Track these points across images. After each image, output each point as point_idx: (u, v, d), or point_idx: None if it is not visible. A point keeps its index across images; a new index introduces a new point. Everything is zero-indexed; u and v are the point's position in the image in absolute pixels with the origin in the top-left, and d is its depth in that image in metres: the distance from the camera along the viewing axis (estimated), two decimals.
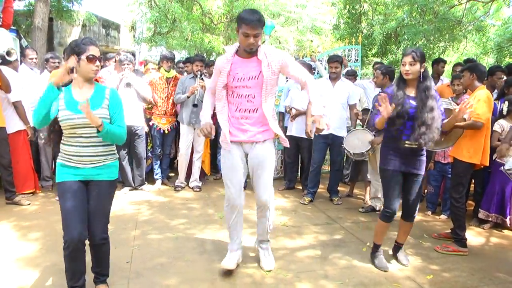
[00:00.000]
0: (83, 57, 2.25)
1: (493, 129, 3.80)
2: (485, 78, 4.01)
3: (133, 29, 15.11)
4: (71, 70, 2.20)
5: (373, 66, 6.27)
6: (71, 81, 2.34)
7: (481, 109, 3.24)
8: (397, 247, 3.20)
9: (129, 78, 4.65)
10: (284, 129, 5.51)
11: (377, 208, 4.50)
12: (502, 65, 6.31)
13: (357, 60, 6.22)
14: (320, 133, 4.64)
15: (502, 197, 3.99)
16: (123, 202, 4.57)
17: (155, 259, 3.08)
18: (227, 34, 12.32)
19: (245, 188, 5.07)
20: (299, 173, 5.74)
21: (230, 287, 2.70)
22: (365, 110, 4.90)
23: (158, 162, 5.31)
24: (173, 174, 5.90)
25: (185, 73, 5.48)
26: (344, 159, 6.09)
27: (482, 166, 3.51)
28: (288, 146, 3.03)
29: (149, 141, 5.33)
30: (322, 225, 4.01)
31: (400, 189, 2.97)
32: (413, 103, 2.85)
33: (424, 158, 2.99)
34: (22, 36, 7.66)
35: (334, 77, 4.74)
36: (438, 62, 5.67)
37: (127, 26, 15.18)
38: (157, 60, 7.87)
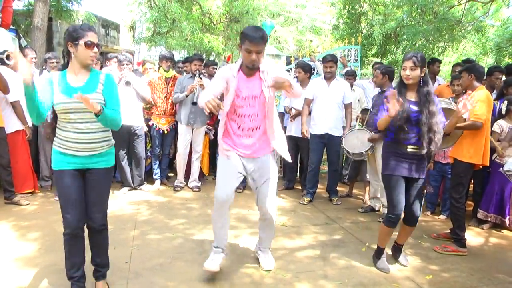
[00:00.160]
0: (81, 42, 2.22)
1: (492, 129, 3.80)
2: (484, 78, 4.01)
3: (132, 29, 15.11)
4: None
5: (372, 66, 6.27)
6: (66, 66, 2.33)
7: (481, 109, 3.24)
8: (396, 248, 3.19)
9: (128, 77, 4.66)
10: (284, 129, 5.52)
11: (377, 208, 4.50)
12: (501, 65, 6.31)
13: (356, 60, 6.22)
14: (316, 133, 4.68)
15: (501, 197, 3.99)
16: (122, 202, 4.57)
17: (154, 259, 3.07)
18: (227, 34, 12.31)
19: (244, 188, 5.12)
20: (298, 173, 5.75)
21: (229, 287, 2.69)
22: (365, 110, 4.90)
23: (157, 162, 5.30)
24: (172, 174, 5.89)
25: (184, 73, 5.48)
26: (344, 159, 6.10)
27: (482, 167, 3.51)
28: (291, 161, 3.06)
29: (148, 141, 5.32)
30: (321, 225, 4.01)
31: (403, 194, 2.95)
32: (414, 108, 2.83)
33: (425, 162, 2.99)
34: (22, 36, 7.64)
35: (329, 77, 4.73)
36: (434, 62, 5.69)
37: (127, 26, 15.19)
38: (156, 60, 7.87)
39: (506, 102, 3.94)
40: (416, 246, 3.51)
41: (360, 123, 4.72)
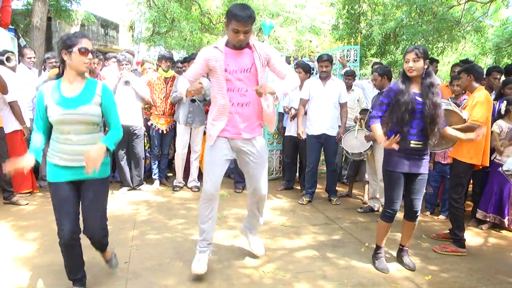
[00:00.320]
0: (75, 49, 2.21)
1: (492, 129, 3.80)
2: (483, 79, 4.01)
3: (131, 28, 15.09)
4: None
5: (372, 67, 6.27)
6: (61, 75, 2.32)
7: (479, 112, 3.24)
8: (401, 250, 3.16)
9: (128, 77, 4.67)
10: (283, 129, 5.52)
11: (376, 209, 4.50)
12: (500, 66, 6.32)
13: (356, 60, 6.21)
14: (313, 133, 4.67)
15: (500, 197, 3.99)
16: (122, 202, 4.56)
17: (153, 259, 3.07)
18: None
19: (243, 188, 5.11)
20: (297, 174, 5.74)
21: (228, 287, 2.69)
22: (364, 111, 4.89)
23: (157, 162, 5.30)
24: (171, 174, 5.89)
25: (183, 73, 5.47)
26: (343, 159, 6.10)
27: (481, 167, 3.51)
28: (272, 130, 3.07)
29: (145, 141, 5.32)
30: (320, 226, 4.01)
31: (402, 190, 2.96)
32: (419, 99, 2.82)
33: (427, 158, 2.99)
34: (20, 36, 7.64)
35: (324, 76, 4.70)
36: (432, 62, 5.67)
37: (126, 26, 15.17)
38: (155, 60, 7.86)
39: (505, 102, 3.94)
40: (415, 247, 3.51)
41: (359, 124, 4.71)
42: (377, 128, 3.00)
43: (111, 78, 4.82)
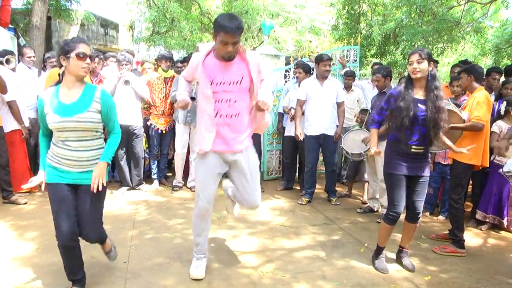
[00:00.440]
0: (73, 54, 2.22)
1: (492, 130, 3.80)
2: (483, 79, 4.01)
3: (131, 28, 15.08)
4: None
5: (372, 67, 6.27)
6: (60, 82, 2.34)
7: (481, 111, 3.24)
8: (401, 251, 3.15)
9: (127, 76, 4.66)
10: (283, 130, 5.52)
11: (375, 209, 4.50)
12: (499, 66, 6.32)
13: (355, 60, 6.22)
14: (312, 134, 4.67)
15: (500, 198, 3.99)
16: (121, 202, 4.56)
17: (153, 259, 3.07)
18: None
19: None
20: (297, 174, 5.74)
21: (228, 287, 2.69)
22: (364, 111, 4.90)
23: (156, 162, 5.29)
24: (170, 174, 5.89)
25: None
26: (343, 160, 6.10)
27: (481, 168, 3.51)
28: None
29: (144, 141, 5.31)
30: (320, 226, 4.01)
31: (404, 192, 2.94)
32: (422, 106, 2.79)
33: (429, 160, 2.98)
34: (20, 35, 7.63)
35: (326, 76, 4.69)
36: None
37: (126, 26, 15.15)
38: (153, 60, 7.85)
39: (505, 102, 3.94)
40: (414, 247, 3.51)
41: (359, 124, 4.71)
42: (374, 133, 3.05)
43: (111, 78, 4.82)
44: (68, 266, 2.40)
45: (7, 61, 4.42)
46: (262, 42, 10.03)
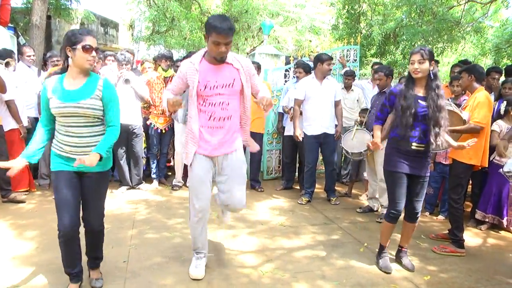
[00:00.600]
0: (79, 46, 2.23)
1: (492, 128, 3.80)
2: (483, 79, 4.01)
3: (131, 27, 15.07)
4: None
5: (372, 67, 6.27)
6: (65, 70, 2.33)
7: (481, 113, 3.23)
8: (400, 251, 3.15)
9: (127, 75, 4.66)
10: (283, 129, 5.52)
11: (375, 209, 4.50)
12: (499, 66, 6.31)
13: (355, 60, 6.21)
14: (312, 134, 4.67)
15: (499, 198, 4.00)
16: (120, 201, 4.56)
17: (152, 258, 3.07)
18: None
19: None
20: (297, 173, 5.74)
21: (227, 287, 2.69)
22: (364, 110, 4.89)
23: (155, 161, 5.29)
24: (170, 174, 5.89)
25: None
26: (342, 159, 6.10)
27: (481, 167, 3.51)
28: (256, 150, 3.00)
29: (143, 141, 5.30)
30: (319, 225, 4.01)
31: (405, 190, 2.94)
32: (423, 103, 2.80)
33: (429, 160, 2.98)
34: (20, 34, 7.63)
35: (327, 75, 4.69)
36: None
37: (126, 25, 15.14)
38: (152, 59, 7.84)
39: (505, 102, 3.94)
40: (414, 247, 3.51)
41: (358, 123, 4.71)
42: (377, 129, 3.08)
43: (111, 77, 4.81)
44: (66, 258, 2.40)
45: (7, 64, 4.42)
46: (262, 41, 10.04)
